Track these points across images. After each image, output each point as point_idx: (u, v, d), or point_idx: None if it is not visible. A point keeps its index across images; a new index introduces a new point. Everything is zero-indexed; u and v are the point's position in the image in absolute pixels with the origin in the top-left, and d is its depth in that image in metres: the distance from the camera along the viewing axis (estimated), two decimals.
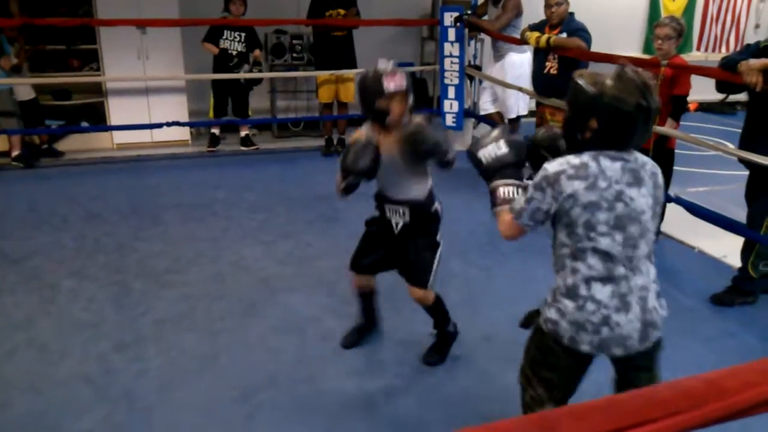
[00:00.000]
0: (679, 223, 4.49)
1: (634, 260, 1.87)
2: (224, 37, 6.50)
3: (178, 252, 4.24)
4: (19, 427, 2.61)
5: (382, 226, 2.89)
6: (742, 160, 3.71)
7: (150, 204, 5.15)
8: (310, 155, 6.79)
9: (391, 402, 2.80)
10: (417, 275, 2.86)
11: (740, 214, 3.84)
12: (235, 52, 6.51)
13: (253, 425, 2.65)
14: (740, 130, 3.74)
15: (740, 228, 3.76)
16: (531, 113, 6.20)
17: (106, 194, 5.39)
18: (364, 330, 3.24)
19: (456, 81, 6.56)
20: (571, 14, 5.07)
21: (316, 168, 6.29)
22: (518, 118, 6.20)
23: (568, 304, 1.90)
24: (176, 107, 6.79)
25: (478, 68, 7.12)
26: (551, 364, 2.01)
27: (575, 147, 1.92)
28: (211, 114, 6.94)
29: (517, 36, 5.71)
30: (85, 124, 6.91)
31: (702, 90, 4.59)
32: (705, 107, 8.89)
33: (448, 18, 6.35)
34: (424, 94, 7.86)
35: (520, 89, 5.83)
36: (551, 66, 5.08)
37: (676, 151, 4.40)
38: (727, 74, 3.56)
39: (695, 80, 4.24)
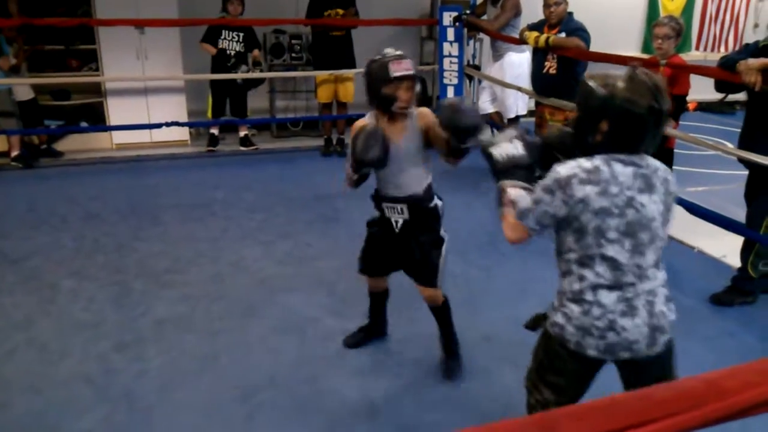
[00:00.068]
0: (678, 222, 4.42)
1: (642, 267, 1.84)
2: (222, 37, 6.49)
3: (178, 252, 4.24)
4: (19, 427, 2.61)
5: (382, 226, 2.85)
6: (741, 160, 3.71)
7: (149, 204, 5.15)
8: (309, 155, 6.79)
9: (392, 402, 2.80)
10: (424, 274, 2.83)
11: (740, 214, 3.84)
12: (233, 52, 6.51)
13: (252, 425, 2.65)
14: (739, 130, 3.74)
15: (740, 228, 3.76)
16: (530, 113, 6.20)
17: (106, 194, 5.39)
18: (370, 332, 3.22)
19: (455, 81, 6.56)
20: (570, 14, 5.07)
21: (316, 168, 6.29)
22: (517, 117, 6.20)
23: (574, 309, 1.88)
24: (175, 107, 6.79)
25: (477, 68, 7.13)
26: (558, 368, 1.99)
27: (585, 149, 1.89)
28: (210, 114, 6.93)
29: (516, 36, 5.71)
30: (84, 124, 6.91)
31: (701, 90, 4.60)
32: (704, 107, 8.90)
33: (447, 18, 6.35)
34: (423, 94, 7.85)
35: (519, 89, 5.83)
36: (550, 66, 5.08)
37: (675, 150, 4.40)
38: (726, 74, 3.56)
39: (694, 80, 4.25)
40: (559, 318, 1.93)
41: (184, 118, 6.80)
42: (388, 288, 3.11)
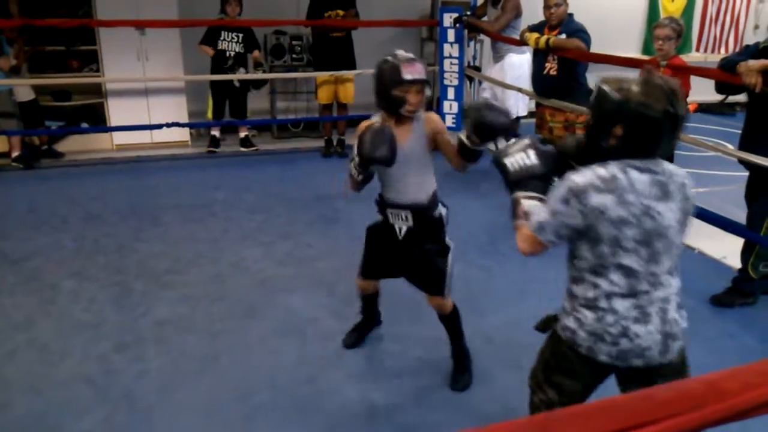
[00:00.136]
0: None
1: (656, 275, 1.82)
2: (222, 39, 6.49)
3: (178, 253, 4.24)
4: (20, 427, 2.61)
5: (385, 232, 2.81)
6: (741, 161, 3.71)
7: (150, 205, 5.15)
8: (309, 156, 6.79)
9: (392, 403, 2.80)
10: (431, 284, 2.80)
11: (740, 215, 3.84)
12: (233, 53, 6.50)
13: (252, 426, 2.65)
14: (740, 131, 3.74)
15: (740, 229, 3.76)
16: (530, 114, 6.21)
17: (106, 195, 5.39)
18: (365, 328, 3.23)
19: (455, 82, 6.56)
20: (570, 15, 5.08)
21: (316, 169, 6.29)
22: (518, 119, 6.21)
23: (588, 315, 1.86)
24: (176, 108, 6.79)
25: (478, 69, 7.13)
26: (565, 369, 1.98)
27: (599, 155, 1.84)
28: (210, 115, 6.93)
29: (517, 37, 5.71)
30: (84, 125, 6.91)
31: (701, 91, 4.60)
32: (704, 108, 8.89)
33: (448, 19, 6.36)
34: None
35: (519, 90, 5.84)
36: (551, 67, 5.08)
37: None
38: (726, 75, 3.56)
39: (695, 81, 4.25)
40: (570, 322, 1.91)
41: (184, 119, 6.81)
42: (379, 290, 3.11)
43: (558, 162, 2.06)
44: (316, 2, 6.43)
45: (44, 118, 6.48)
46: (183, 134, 6.98)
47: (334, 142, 6.86)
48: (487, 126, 2.44)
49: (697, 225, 4.10)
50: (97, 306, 3.56)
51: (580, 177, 1.79)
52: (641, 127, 1.76)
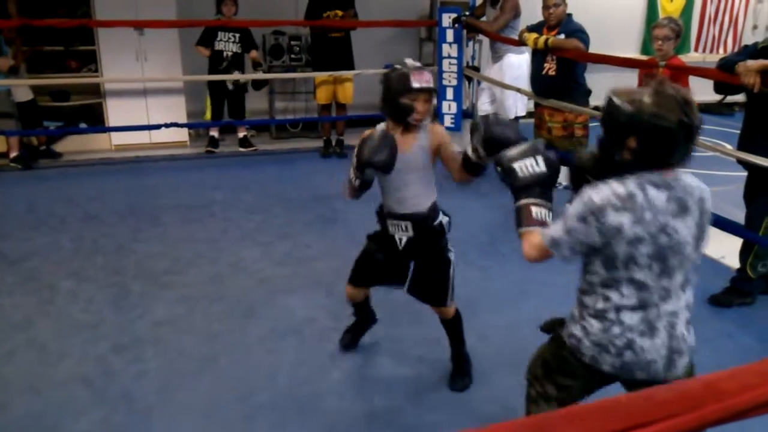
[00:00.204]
0: None
1: (668, 289, 1.80)
2: (218, 39, 6.47)
3: (177, 253, 4.24)
4: (18, 427, 2.61)
5: (384, 242, 2.79)
6: (740, 161, 3.71)
7: (148, 205, 5.15)
8: (308, 156, 6.79)
9: (391, 403, 2.80)
10: (434, 295, 2.79)
11: (738, 215, 3.84)
12: (230, 53, 6.49)
13: (252, 427, 2.65)
14: (738, 131, 3.74)
15: (738, 229, 3.76)
16: (529, 114, 6.20)
17: (105, 195, 5.38)
18: (360, 328, 3.20)
19: (454, 82, 6.55)
20: (569, 15, 5.08)
21: (315, 169, 6.29)
22: (516, 119, 6.19)
23: (594, 324, 1.85)
24: (174, 108, 6.79)
25: (477, 69, 7.12)
26: (566, 371, 1.98)
27: (614, 169, 1.81)
28: (208, 115, 6.91)
29: (515, 37, 5.71)
30: (83, 125, 6.90)
31: (700, 91, 4.54)
32: (703, 108, 8.79)
33: (447, 19, 6.35)
34: None
35: (518, 90, 5.83)
36: (550, 67, 5.08)
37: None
38: (725, 75, 3.56)
39: (693, 81, 4.24)
40: (577, 330, 1.91)
41: (183, 119, 6.80)
42: (368, 294, 3.06)
43: (575, 175, 2.05)
44: (315, 2, 6.43)
45: (43, 118, 6.47)
46: (182, 134, 6.98)
47: (333, 143, 6.85)
48: (497, 140, 2.37)
49: None
50: (96, 306, 3.56)
51: (598, 195, 1.76)
52: (655, 139, 1.72)
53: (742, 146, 3.67)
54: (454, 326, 2.91)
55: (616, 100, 1.78)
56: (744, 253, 3.70)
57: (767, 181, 3.51)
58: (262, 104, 7.46)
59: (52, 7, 6.53)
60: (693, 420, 0.85)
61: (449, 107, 6.63)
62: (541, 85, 5.24)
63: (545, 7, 5.07)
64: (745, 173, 3.77)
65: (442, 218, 2.75)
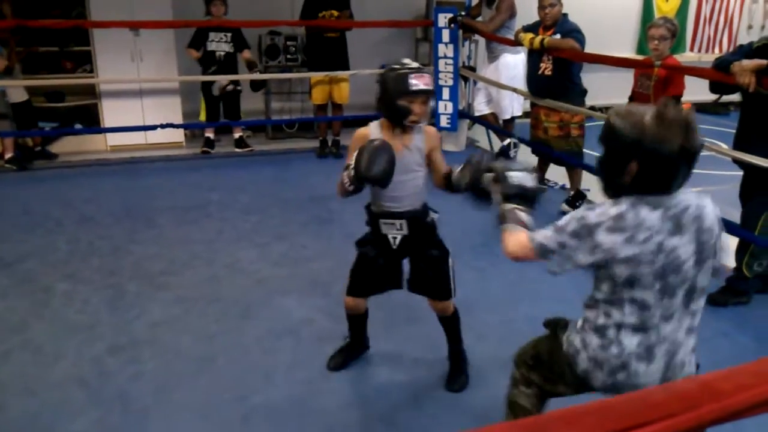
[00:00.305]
0: None
1: (669, 309, 1.80)
2: (210, 40, 6.44)
3: (173, 254, 4.23)
4: (14, 428, 2.60)
5: (377, 243, 2.76)
6: (736, 161, 3.72)
7: (144, 206, 5.14)
8: (304, 157, 6.79)
9: (388, 403, 2.80)
10: (438, 289, 2.78)
11: (734, 215, 3.84)
12: (222, 54, 6.46)
13: (249, 427, 2.65)
14: (734, 131, 3.76)
15: (734, 228, 3.77)
16: (525, 114, 6.21)
17: (100, 196, 5.37)
18: (353, 351, 3.10)
19: (450, 82, 6.57)
20: (565, 15, 5.08)
21: (311, 169, 6.28)
22: (512, 119, 6.22)
23: (593, 340, 1.86)
24: (170, 109, 6.77)
25: (473, 69, 7.14)
26: (557, 372, 1.99)
27: (613, 190, 1.82)
28: (202, 117, 6.89)
29: (511, 37, 5.72)
30: (78, 126, 6.89)
31: (696, 91, 4.61)
32: (699, 108, 8.89)
33: (443, 19, 6.37)
34: None
35: (514, 90, 5.85)
36: (546, 67, 5.08)
37: None
38: (720, 75, 3.57)
39: (689, 81, 4.26)
40: (576, 341, 1.91)
41: (178, 120, 6.79)
42: (366, 310, 2.99)
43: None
44: (310, 2, 6.42)
45: (38, 119, 6.45)
46: (177, 135, 6.96)
47: (329, 143, 6.85)
48: (483, 193, 2.38)
49: None
50: (92, 308, 3.55)
51: (593, 214, 1.77)
52: (657, 165, 1.71)
53: (737, 146, 3.68)
54: (452, 323, 2.90)
55: (618, 123, 1.75)
56: (740, 253, 3.71)
57: (763, 181, 3.52)
58: (258, 104, 7.45)
59: (47, 8, 6.52)
60: (690, 420, 0.85)
61: (445, 107, 6.64)
62: (537, 85, 5.24)
63: (541, 7, 5.08)
64: (740, 172, 3.78)
65: (433, 215, 2.76)
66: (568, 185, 5.34)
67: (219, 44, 6.45)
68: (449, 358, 2.97)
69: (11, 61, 5.86)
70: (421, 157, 2.67)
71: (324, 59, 6.51)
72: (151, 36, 6.49)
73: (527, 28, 5.27)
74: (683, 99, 4.43)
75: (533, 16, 5.28)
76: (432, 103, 2.64)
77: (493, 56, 6.15)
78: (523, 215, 2.00)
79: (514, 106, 6.14)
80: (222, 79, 6.43)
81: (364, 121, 2.77)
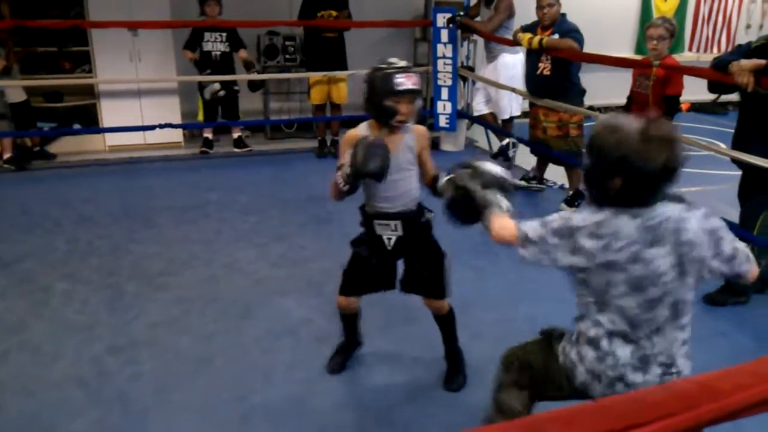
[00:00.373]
0: None
1: (654, 323, 1.80)
2: (206, 40, 6.42)
3: (172, 254, 4.23)
4: (13, 428, 2.60)
5: (372, 244, 2.76)
6: (734, 160, 3.73)
7: (143, 206, 5.14)
8: (303, 157, 6.78)
9: (385, 403, 2.80)
10: (434, 288, 2.78)
11: (733, 214, 3.85)
12: (218, 54, 6.44)
13: (248, 427, 2.65)
14: (732, 131, 3.76)
15: (733, 228, 3.76)
16: (524, 114, 6.21)
17: (99, 196, 5.37)
18: (348, 349, 3.10)
19: (449, 82, 6.57)
20: (563, 15, 5.08)
21: (310, 170, 6.28)
22: (511, 118, 6.22)
23: (589, 352, 1.88)
24: (168, 109, 6.76)
25: (471, 69, 7.13)
26: (557, 385, 2.00)
27: (597, 201, 1.85)
28: (200, 117, 6.87)
29: (510, 37, 5.72)
30: (77, 126, 6.87)
31: (694, 90, 4.61)
32: (697, 107, 8.91)
33: (441, 19, 6.36)
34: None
35: (513, 90, 5.85)
36: (544, 67, 5.08)
37: None
38: (718, 75, 3.57)
39: (687, 81, 4.26)
40: (573, 355, 1.93)
41: (177, 120, 6.78)
42: (359, 310, 2.99)
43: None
44: (309, 2, 6.42)
45: (36, 119, 6.44)
46: (176, 135, 6.95)
47: (328, 143, 6.84)
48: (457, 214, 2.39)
49: None
50: (90, 308, 3.55)
51: (578, 218, 1.82)
52: (640, 181, 1.73)
53: (736, 145, 3.68)
54: (448, 322, 2.91)
55: (604, 139, 1.77)
56: None
57: (761, 180, 3.53)
58: (256, 105, 7.44)
59: (46, 8, 6.50)
60: (688, 420, 0.85)
61: (444, 107, 6.64)
62: (535, 84, 5.25)
63: (539, 7, 5.08)
64: (739, 172, 3.79)
65: (428, 214, 2.76)
66: (567, 185, 5.35)
67: (215, 44, 6.43)
68: (446, 358, 2.97)
69: (10, 61, 5.85)
70: (412, 156, 2.67)
71: (322, 59, 6.51)
72: (150, 36, 6.48)
73: (526, 28, 5.27)
74: (682, 98, 4.44)
75: (532, 16, 5.28)
76: (419, 102, 2.63)
77: (491, 56, 6.15)
78: (504, 201, 2.09)
79: (512, 106, 6.14)
80: (215, 84, 6.36)
81: (362, 121, 2.77)
